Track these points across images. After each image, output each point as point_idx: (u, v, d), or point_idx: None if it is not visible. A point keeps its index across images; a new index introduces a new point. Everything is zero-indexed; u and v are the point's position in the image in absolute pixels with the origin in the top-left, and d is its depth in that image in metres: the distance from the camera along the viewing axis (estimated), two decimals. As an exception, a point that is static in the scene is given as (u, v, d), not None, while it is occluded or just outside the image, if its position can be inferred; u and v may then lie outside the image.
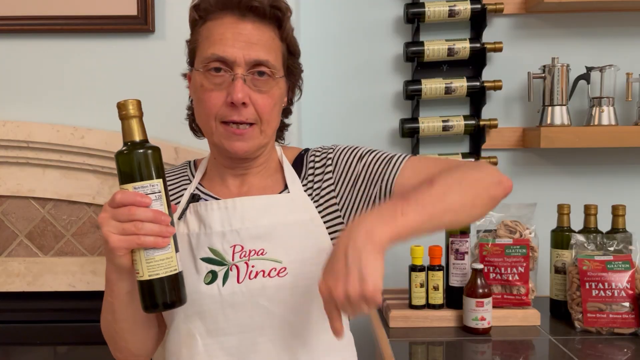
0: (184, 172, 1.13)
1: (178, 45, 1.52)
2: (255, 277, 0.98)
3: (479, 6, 1.70)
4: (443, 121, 1.73)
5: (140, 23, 1.49)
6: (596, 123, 1.69)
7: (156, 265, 0.86)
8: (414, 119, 1.75)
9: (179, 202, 1.08)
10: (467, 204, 0.91)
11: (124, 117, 0.87)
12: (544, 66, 1.70)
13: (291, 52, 1.05)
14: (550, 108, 1.70)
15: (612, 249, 1.49)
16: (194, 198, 1.05)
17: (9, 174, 1.53)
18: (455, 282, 1.52)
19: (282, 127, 1.14)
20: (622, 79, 1.72)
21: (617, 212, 1.53)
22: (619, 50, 1.78)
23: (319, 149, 1.10)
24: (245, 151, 1.00)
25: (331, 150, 1.08)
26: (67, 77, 1.53)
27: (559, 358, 1.31)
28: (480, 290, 1.43)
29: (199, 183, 1.10)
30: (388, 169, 1.02)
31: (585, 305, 1.44)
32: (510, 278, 1.50)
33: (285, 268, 0.98)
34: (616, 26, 1.78)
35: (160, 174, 0.88)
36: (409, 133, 1.74)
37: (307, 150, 1.13)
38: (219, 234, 1.00)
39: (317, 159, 1.08)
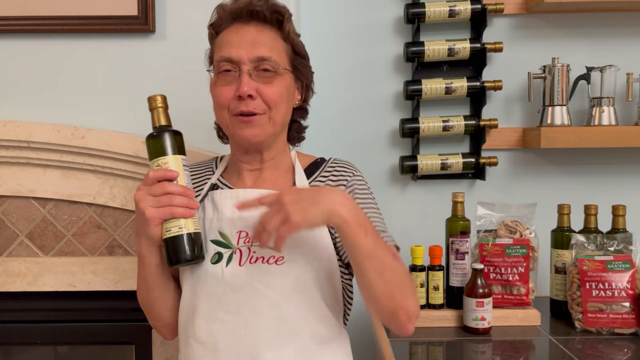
0: (209, 165, 1.23)
1: (178, 46, 1.53)
2: (255, 262, 1.06)
3: (479, 6, 1.70)
4: (443, 121, 1.73)
5: (141, 23, 1.49)
6: (596, 123, 1.69)
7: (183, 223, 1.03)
8: (414, 119, 1.75)
9: (202, 189, 1.17)
10: (392, 287, 1.00)
11: (153, 108, 1.07)
12: (544, 66, 1.70)
13: (296, 53, 1.13)
14: (550, 108, 1.70)
15: (612, 249, 1.49)
16: (213, 187, 1.17)
17: (10, 174, 1.53)
18: (455, 282, 1.52)
19: (300, 129, 1.22)
20: (622, 79, 1.72)
21: (617, 212, 1.53)
22: (619, 50, 1.78)
23: (342, 165, 1.17)
24: (256, 136, 1.08)
25: (350, 176, 1.15)
26: (68, 77, 1.54)
27: (559, 358, 1.31)
28: (481, 290, 1.43)
29: (221, 175, 1.20)
30: None
31: (585, 305, 1.44)
32: (511, 278, 1.50)
33: (283, 257, 1.06)
34: (616, 26, 1.78)
35: (183, 152, 1.06)
36: (409, 133, 1.74)
37: (323, 159, 1.20)
38: (228, 220, 1.10)
39: (336, 173, 1.16)
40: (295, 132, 1.20)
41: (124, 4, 1.49)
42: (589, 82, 1.70)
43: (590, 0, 1.66)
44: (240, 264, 1.07)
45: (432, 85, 1.71)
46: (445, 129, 1.73)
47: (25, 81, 1.54)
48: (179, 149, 1.06)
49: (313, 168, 1.18)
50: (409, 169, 1.75)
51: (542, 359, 1.35)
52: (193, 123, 1.45)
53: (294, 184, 1.14)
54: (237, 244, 1.08)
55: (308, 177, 1.15)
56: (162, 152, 1.04)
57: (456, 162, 1.73)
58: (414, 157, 1.75)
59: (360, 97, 1.81)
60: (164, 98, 1.08)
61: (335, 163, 1.18)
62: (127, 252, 1.56)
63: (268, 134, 1.09)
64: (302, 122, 1.22)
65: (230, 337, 1.05)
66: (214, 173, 1.20)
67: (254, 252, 1.07)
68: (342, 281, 1.12)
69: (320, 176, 1.16)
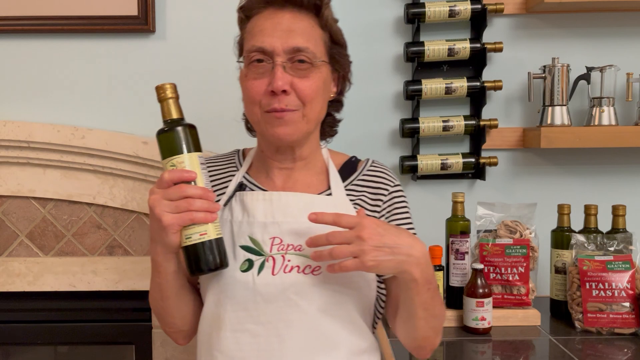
0: (231, 160, 1.16)
1: (178, 45, 1.53)
2: (290, 271, 1.00)
3: (479, 6, 1.70)
4: (443, 121, 1.73)
5: (141, 23, 1.49)
6: (596, 123, 1.69)
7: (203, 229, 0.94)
8: (414, 119, 1.75)
9: (226, 186, 1.10)
10: (431, 331, 1.05)
11: (162, 99, 0.96)
12: (544, 66, 1.70)
13: (334, 41, 1.06)
14: (550, 108, 1.70)
15: (612, 249, 1.49)
16: (241, 187, 1.08)
17: (10, 174, 1.53)
18: (455, 282, 1.52)
19: (333, 124, 1.15)
20: (622, 79, 1.72)
21: (617, 212, 1.54)
22: (619, 50, 1.78)
23: (381, 171, 1.12)
24: (289, 135, 1.01)
25: (390, 185, 1.11)
26: (68, 77, 1.53)
27: (559, 358, 1.31)
28: (481, 290, 1.43)
29: (246, 172, 1.12)
30: None
31: (585, 306, 1.44)
32: (511, 278, 1.50)
33: (320, 267, 1.00)
34: (616, 26, 1.78)
35: (199, 148, 0.96)
36: (409, 133, 1.74)
37: (356, 158, 1.15)
38: (260, 224, 1.02)
39: (376, 179, 1.11)
40: (327, 127, 1.13)
41: (124, 4, 1.49)
42: (589, 82, 1.70)
43: (590, 0, 1.66)
44: (273, 273, 0.99)
45: (432, 85, 1.71)
46: (445, 129, 1.73)
47: (25, 81, 1.54)
48: (195, 145, 0.96)
49: (348, 169, 1.12)
50: (409, 169, 1.75)
51: (542, 359, 1.35)
52: (194, 124, 1.45)
53: (329, 187, 1.08)
54: (270, 251, 1.01)
55: (343, 179, 1.10)
56: (176, 150, 0.94)
57: (456, 162, 1.73)
58: (414, 157, 1.75)
59: (360, 97, 1.81)
60: (174, 87, 0.97)
61: (373, 168, 1.12)
62: (127, 252, 1.56)
63: (302, 132, 1.02)
64: (336, 115, 1.15)
65: (262, 350, 0.99)
66: (237, 169, 1.13)
67: (289, 260, 1.00)
68: (376, 291, 1.07)
69: (358, 180, 1.10)
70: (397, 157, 1.79)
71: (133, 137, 1.49)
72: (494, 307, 1.47)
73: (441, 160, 1.73)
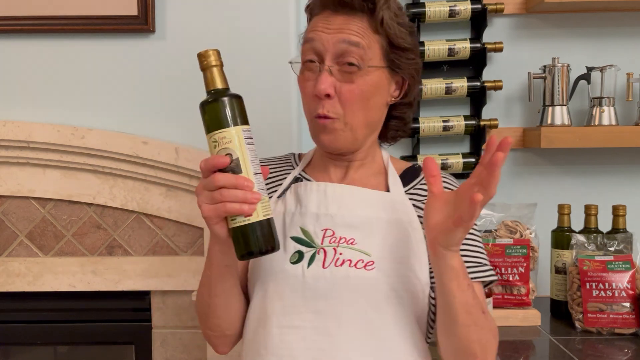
0: (287, 160, 1.15)
1: (178, 45, 1.53)
2: (342, 265, 0.97)
3: (479, 6, 1.70)
4: (443, 121, 1.73)
5: (141, 23, 1.49)
6: (596, 123, 1.69)
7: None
8: (414, 119, 1.74)
9: (280, 184, 1.09)
10: (476, 345, 0.95)
11: (205, 67, 0.89)
12: (545, 66, 1.70)
13: (393, 45, 1.00)
14: (550, 108, 1.70)
15: (612, 249, 1.49)
16: (297, 180, 1.07)
17: (10, 174, 1.53)
18: (455, 282, 1.52)
19: (398, 127, 1.11)
20: (622, 79, 1.72)
21: (617, 212, 1.53)
22: (619, 50, 1.77)
23: (444, 180, 1.06)
24: (332, 143, 1.00)
25: None
26: (68, 77, 1.53)
27: (560, 358, 1.31)
28: (481, 291, 1.43)
29: (303, 170, 1.11)
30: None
31: (585, 306, 1.44)
32: (511, 278, 1.50)
33: (374, 262, 0.97)
34: (616, 26, 1.78)
35: (247, 120, 0.89)
36: (409, 133, 1.74)
37: (419, 166, 1.11)
38: (313, 215, 1.00)
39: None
40: (391, 130, 1.10)
41: (123, 4, 1.49)
42: (589, 82, 1.70)
43: (590, 0, 1.66)
44: (324, 266, 0.96)
45: (432, 85, 1.71)
46: (445, 129, 1.73)
47: (25, 81, 1.53)
48: (241, 117, 0.88)
49: (409, 175, 1.08)
50: (409, 169, 1.75)
51: (542, 359, 1.35)
52: (194, 125, 1.45)
53: (388, 189, 1.04)
54: (322, 243, 0.98)
55: (404, 184, 1.06)
56: (220, 124, 0.87)
57: (456, 162, 1.73)
58: (414, 157, 1.75)
59: (360, 97, 1.81)
60: (218, 53, 0.90)
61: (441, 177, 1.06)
62: (127, 252, 1.56)
63: (346, 141, 1.00)
64: (405, 117, 1.10)
65: (310, 348, 0.95)
66: (293, 168, 1.11)
67: (340, 253, 0.97)
68: (429, 300, 1.01)
69: (421, 183, 1.06)
70: (397, 157, 1.79)
71: (133, 137, 1.49)
72: (494, 307, 1.47)
73: (441, 160, 1.73)
